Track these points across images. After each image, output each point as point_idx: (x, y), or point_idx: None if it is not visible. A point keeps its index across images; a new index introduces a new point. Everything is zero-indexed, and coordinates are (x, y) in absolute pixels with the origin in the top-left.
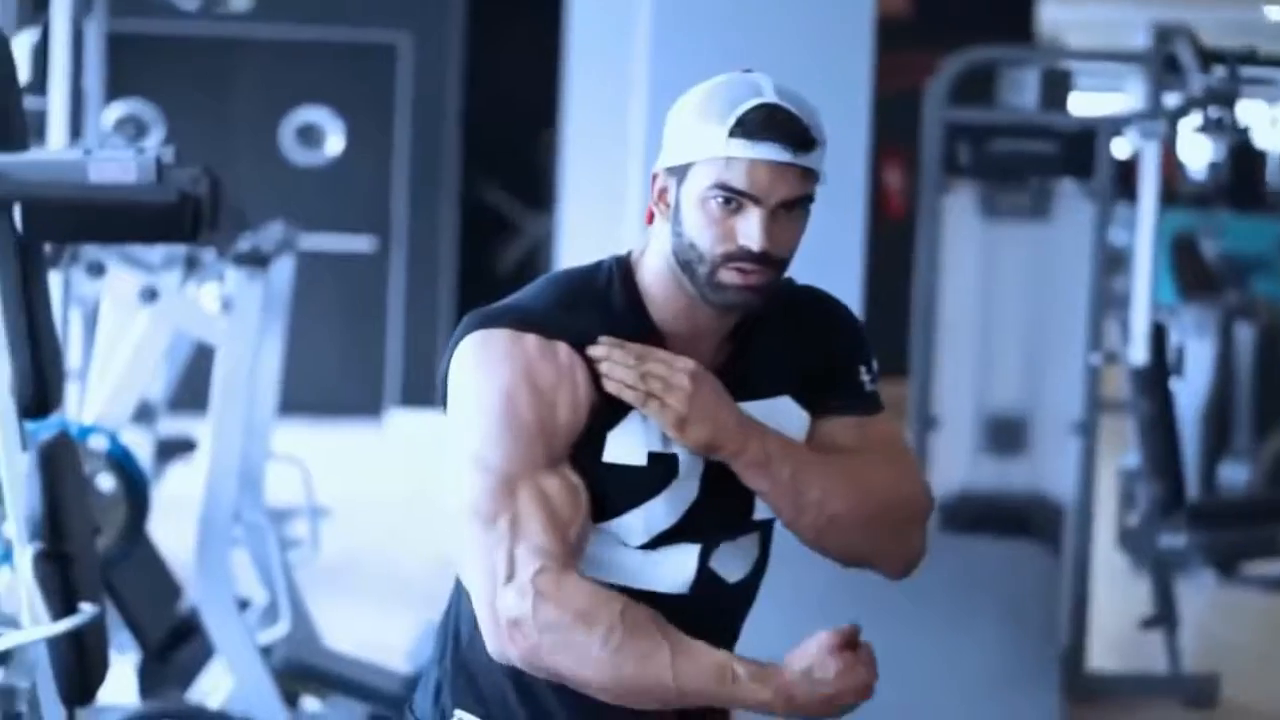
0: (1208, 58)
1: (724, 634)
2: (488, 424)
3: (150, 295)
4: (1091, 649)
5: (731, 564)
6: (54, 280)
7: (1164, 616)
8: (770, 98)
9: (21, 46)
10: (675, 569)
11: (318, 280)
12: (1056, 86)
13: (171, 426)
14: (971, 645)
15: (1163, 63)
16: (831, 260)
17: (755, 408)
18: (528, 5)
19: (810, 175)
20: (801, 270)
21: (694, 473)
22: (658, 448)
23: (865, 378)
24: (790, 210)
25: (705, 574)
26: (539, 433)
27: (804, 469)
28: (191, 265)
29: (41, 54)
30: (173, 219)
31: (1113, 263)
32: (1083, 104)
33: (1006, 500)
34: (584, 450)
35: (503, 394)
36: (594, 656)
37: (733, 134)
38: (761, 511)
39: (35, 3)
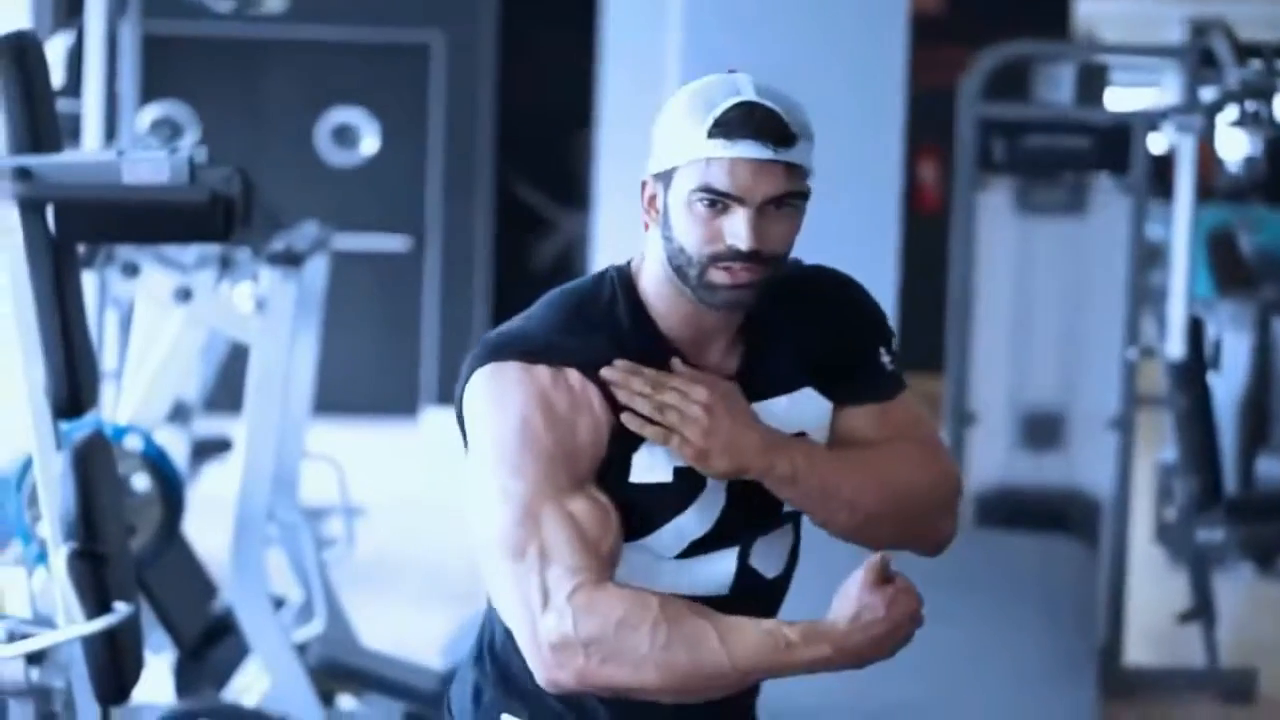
0: (1244, 52)
1: None
2: (507, 455)
3: (184, 295)
4: (1128, 643)
5: (769, 559)
6: (89, 281)
7: (1201, 611)
8: (749, 96)
9: (56, 49)
10: (714, 573)
11: (353, 280)
12: (1092, 81)
13: (207, 427)
14: (1008, 640)
15: (1198, 57)
16: (866, 255)
17: (777, 404)
18: (561, 3)
19: (796, 171)
20: (836, 265)
21: (720, 482)
22: (682, 462)
23: (885, 359)
24: (779, 207)
25: (745, 573)
26: (559, 457)
27: (831, 475)
28: (226, 265)
29: (76, 56)
30: (205, 219)
31: (1149, 258)
32: (1118, 99)
33: (1043, 495)
34: (610, 473)
35: (519, 423)
36: (644, 657)
37: (711, 135)
38: (792, 505)
39: (70, 5)
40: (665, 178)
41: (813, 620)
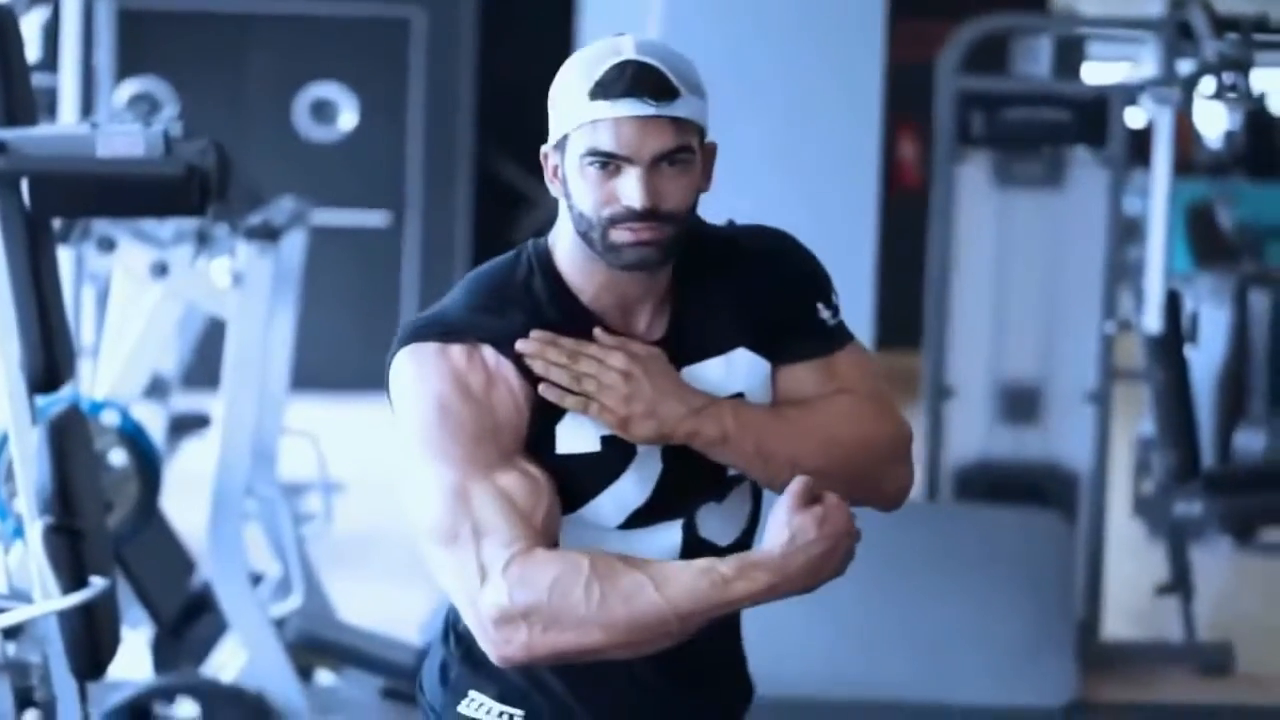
0: (1222, 25)
1: None
2: (430, 438)
3: (161, 270)
4: (1106, 617)
5: (722, 527)
6: (65, 257)
7: (1179, 584)
8: (629, 55)
9: (33, 24)
10: (660, 543)
11: (332, 256)
12: (1069, 56)
13: (186, 403)
14: (987, 614)
15: (1176, 29)
16: (845, 232)
17: (710, 366)
18: None
19: (684, 125)
20: (814, 241)
21: (654, 449)
22: (609, 431)
23: (824, 314)
24: (672, 164)
25: (694, 542)
26: (481, 434)
27: (768, 436)
28: (203, 240)
29: (52, 31)
30: (180, 192)
31: (1128, 232)
32: (1096, 74)
33: (1021, 469)
34: (537, 446)
35: (437, 405)
36: (583, 618)
37: (594, 96)
38: (733, 469)
39: None
40: (561, 146)
41: (746, 552)
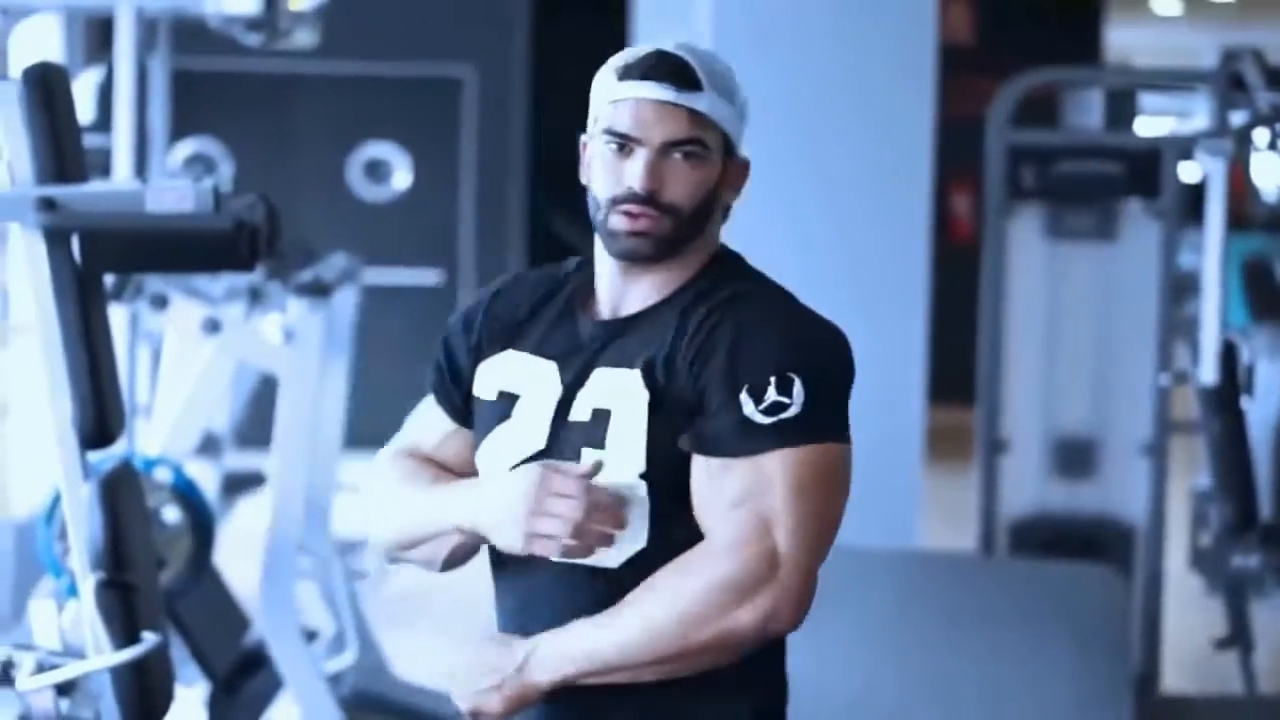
0: (1275, 76)
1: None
2: None
3: (213, 326)
4: (1165, 671)
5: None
6: (119, 314)
7: (1238, 638)
8: (664, 47)
9: (87, 84)
10: None
11: (386, 314)
12: (1122, 108)
13: (241, 461)
14: (1043, 669)
15: (1229, 81)
16: (897, 288)
17: (603, 374)
18: (591, 36)
19: (702, 120)
20: (868, 296)
21: (540, 421)
22: (507, 388)
23: (749, 409)
24: (686, 157)
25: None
26: (444, 371)
27: (598, 656)
28: (255, 297)
29: (106, 91)
30: (229, 246)
31: (1184, 286)
32: (1148, 127)
33: (1077, 523)
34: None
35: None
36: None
37: (620, 78)
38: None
39: (100, 40)
40: (592, 131)
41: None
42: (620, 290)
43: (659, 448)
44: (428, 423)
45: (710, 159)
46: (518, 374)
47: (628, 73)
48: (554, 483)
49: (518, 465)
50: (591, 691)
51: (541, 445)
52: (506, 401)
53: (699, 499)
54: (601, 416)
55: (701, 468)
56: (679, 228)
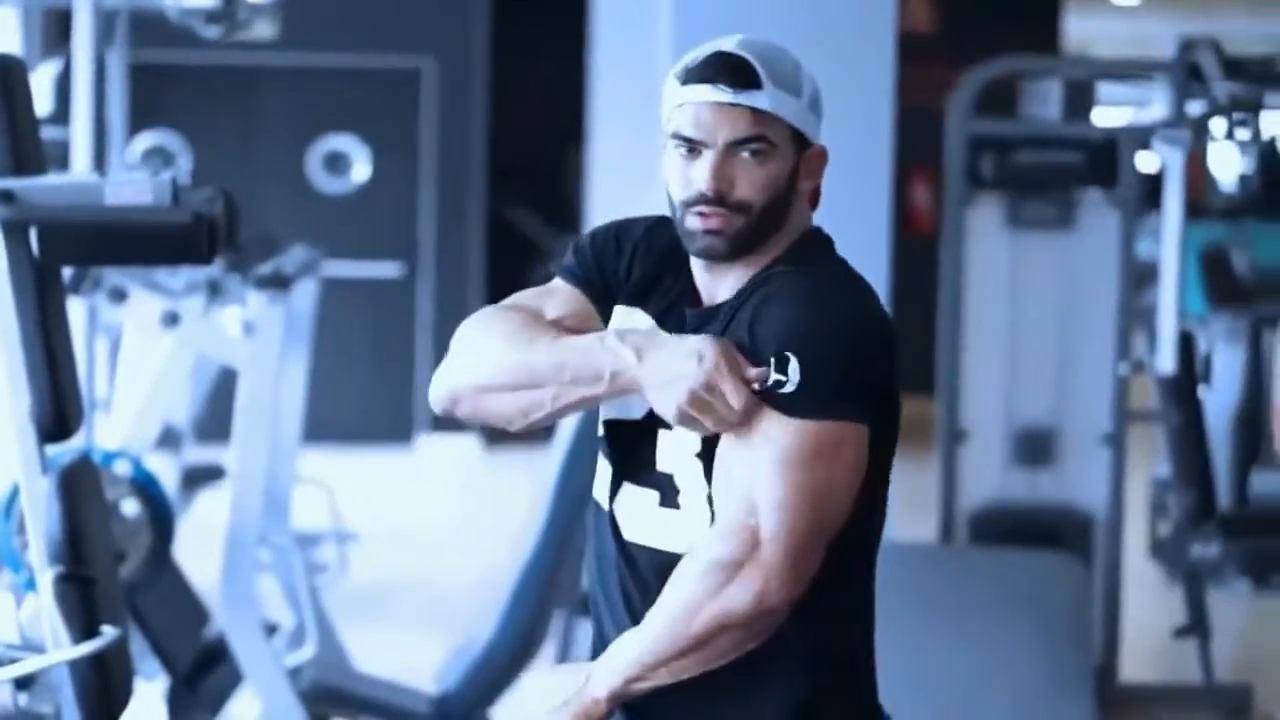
0: (1231, 66)
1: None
2: None
3: (172, 320)
4: (1124, 660)
5: (631, 513)
6: (78, 308)
7: (1197, 627)
8: (724, 47)
9: (45, 77)
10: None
11: (346, 307)
12: (1080, 100)
13: (202, 455)
14: (1004, 657)
15: (1186, 72)
16: None
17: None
18: (552, 26)
19: (766, 117)
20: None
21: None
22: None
23: (753, 388)
24: (753, 155)
25: (617, 504)
26: (579, 266)
27: (636, 665)
28: (214, 290)
29: (65, 84)
30: (188, 239)
31: (1142, 275)
32: (1106, 118)
33: (1037, 512)
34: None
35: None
36: (486, 351)
37: (682, 83)
38: (665, 464)
39: (58, 33)
40: (665, 136)
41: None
42: (710, 283)
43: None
44: (549, 291)
45: (777, 154)
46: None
47: (689, 76)
48: (721, 373)
49: (612, 422)
50: (650, 697)
51: (642, 412)
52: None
53: (714, 481)
54: None
55: (717, 451)
56: (752, 224)
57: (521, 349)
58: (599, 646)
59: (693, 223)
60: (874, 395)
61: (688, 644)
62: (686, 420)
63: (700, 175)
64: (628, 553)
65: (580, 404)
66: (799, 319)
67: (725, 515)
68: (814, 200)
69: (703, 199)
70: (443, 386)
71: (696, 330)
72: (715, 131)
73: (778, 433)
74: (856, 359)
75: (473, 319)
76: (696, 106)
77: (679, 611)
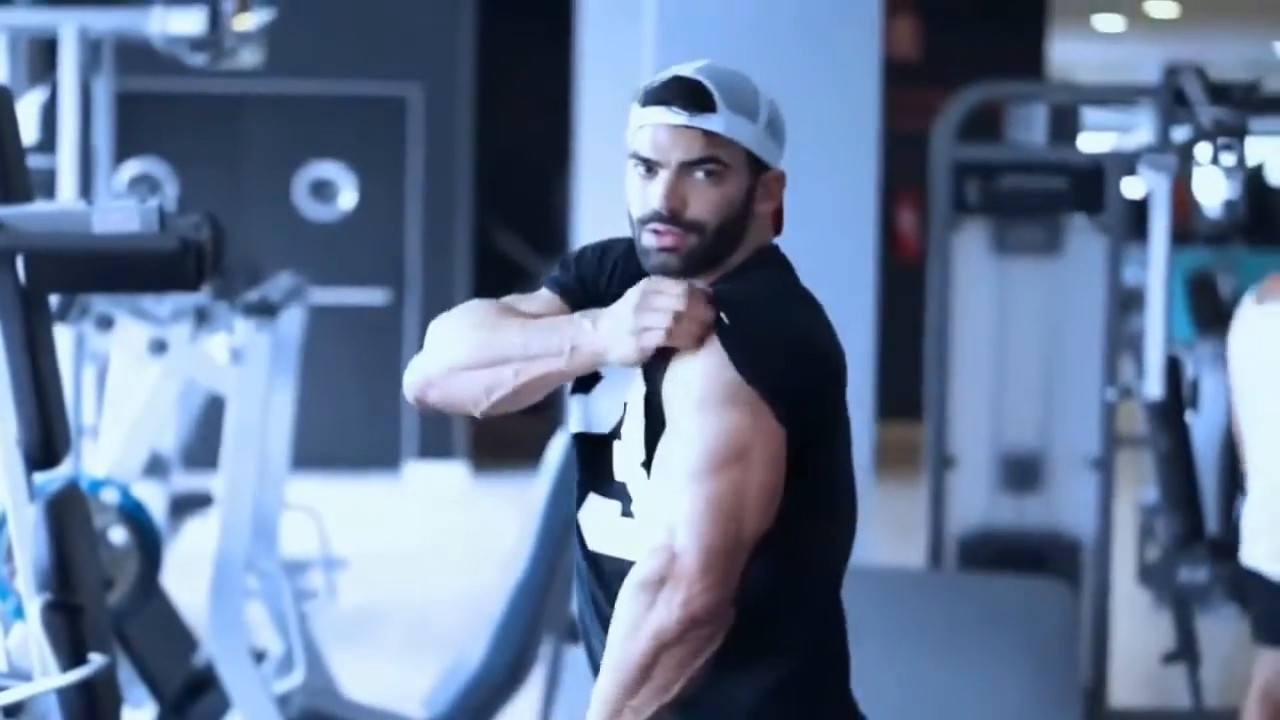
0: (1216, 91)
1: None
2: None
3: (159, 347)
4: (1113, 685)
5: (596, 527)
6: (65, 336)
7: (1186, 651)
8: (683, 71)
9: (31, 105)
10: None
11: (334, 334)
12: (1065, 125)
13: (188, 482)
14: (992, 683)
15: (1171, 97)
16: (843, 301)
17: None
18: (537, 52)
19: (719, 140)
20: None
21: (616, 400)
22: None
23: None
24: (707, 175)
25: (579, 517)
26: (563, 278)
27: (607, 698)
28: (201, 317)
29: (51, 112)
30: (176, 266)
31: (1129, 300)
32: (1092, 143)
33: (1024, 537)
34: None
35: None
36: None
37: (641, 104)
38: (620, 474)
39: (44, 61)
40: (628, 155)
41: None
42: None
43: (654, 445)
44: (531, 296)
45: (731, 175)
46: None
47: (647, 99)
48: (657, 284)
49: (582, 435)
50: None
51: (608, 428)
52: (591, 375)
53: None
54: (626, 409)
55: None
56: (706, 243)
57: (487, 330)
58: (588, 656)
59: (648, 240)
60: (789, 398)
61: (637, 673)
62: (647, 339)
63: (655, 194)
64: (594, 562)
65: (541, 381)
66: (724, 327)
67: (650, 538)
68: (777, 224)
69: (657, 217)
70: (416, 373)
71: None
72: (670, 152)
73: (684, 442)
74: (773, 362)
75: (448, 311)
76: (654, 128)
77: (619, 637)
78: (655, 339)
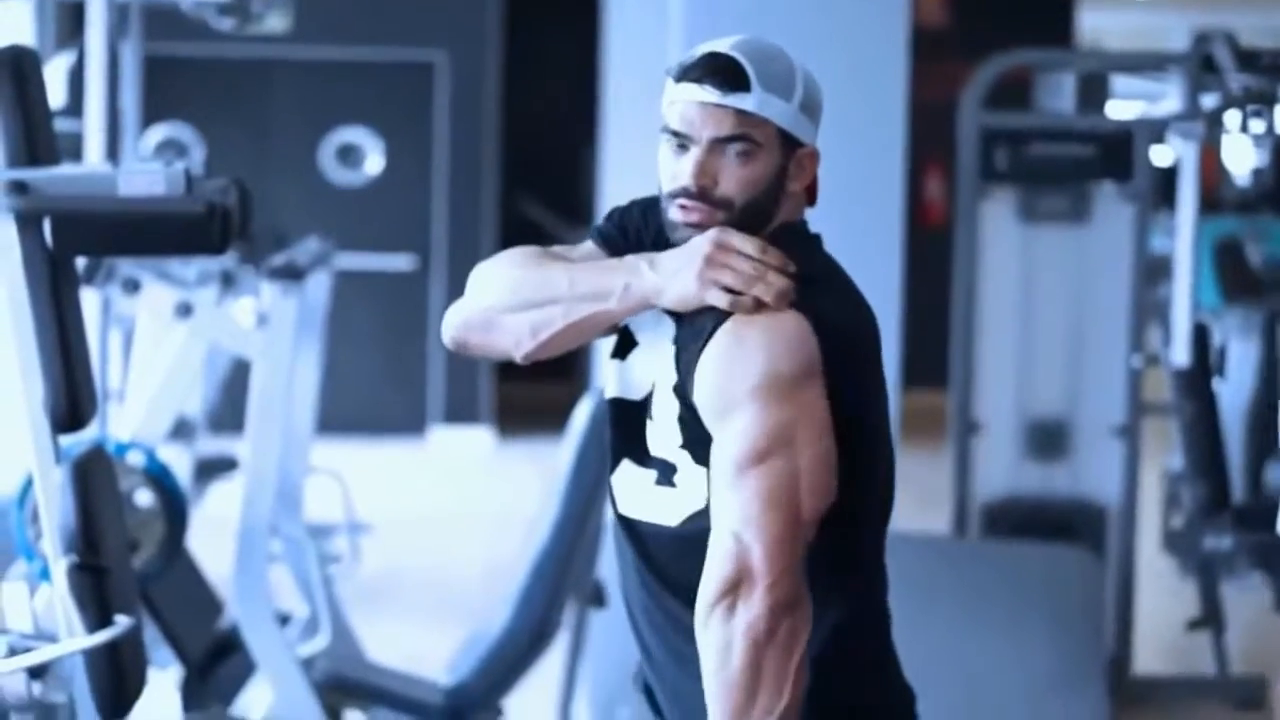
0: (1245, 59)
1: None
2: None
3: (185, 310)
4: (1138, 653)
5: (629, 492)
6: (91, 299)
7: (1210, 619)
8: (719, 47)
9: (58, 68)
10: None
11: (360, 299)
12: (1093, 93)
13: (215, 447)
14: (1017, 650)
15: (1200, 64)
16: (870, 270)
17: (662, 349)
18: (564, 20)
19: (750, 118)
20: None
21: (648, 368)
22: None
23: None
24: (738, 153)
25: (612, 479)
26: (608, 232)
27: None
28: (228, 281)
29: (78, 76)
30: (202, 229)
31: (1156, 268)
32: (1120, 111)
33: (1050, 505)
34: None
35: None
36: (503, 276)
37: (675, 80)
38: (657, 450)
39: (71, 25)
40: (661, 128)
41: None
42: None
43: (690, 430)
44: (574, 247)
45: (763, 154)
46: (642, 318)
47: (681, 74)
48: (733, 240)
49: (617, 400)
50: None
51: (641, 396)
52: (628, 341)
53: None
54: (654, 388)
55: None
56: (734, 220)
57: (532, 269)
58: (626, 610)
59: (675, 214)
60: (827, 374)
61: (743, 692)
62: (708, 286)
63: (685, 170)
64: (627, 523)
65: (590, 323)
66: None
67: (710, 552)
68: (811, 196)
69: (685, 193)
70: (457, 314)
71: (679, 321)
72: (701, 129)
73: (728, 441)
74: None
75: (490, 258)
76: (685, 104)
77: (713, 665)
78: (721, 300)
